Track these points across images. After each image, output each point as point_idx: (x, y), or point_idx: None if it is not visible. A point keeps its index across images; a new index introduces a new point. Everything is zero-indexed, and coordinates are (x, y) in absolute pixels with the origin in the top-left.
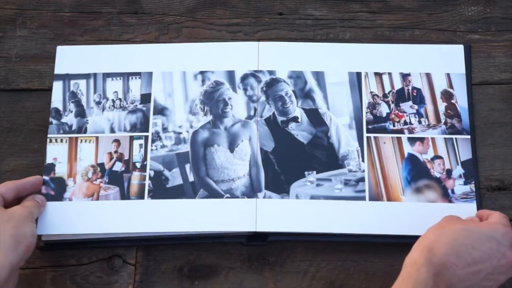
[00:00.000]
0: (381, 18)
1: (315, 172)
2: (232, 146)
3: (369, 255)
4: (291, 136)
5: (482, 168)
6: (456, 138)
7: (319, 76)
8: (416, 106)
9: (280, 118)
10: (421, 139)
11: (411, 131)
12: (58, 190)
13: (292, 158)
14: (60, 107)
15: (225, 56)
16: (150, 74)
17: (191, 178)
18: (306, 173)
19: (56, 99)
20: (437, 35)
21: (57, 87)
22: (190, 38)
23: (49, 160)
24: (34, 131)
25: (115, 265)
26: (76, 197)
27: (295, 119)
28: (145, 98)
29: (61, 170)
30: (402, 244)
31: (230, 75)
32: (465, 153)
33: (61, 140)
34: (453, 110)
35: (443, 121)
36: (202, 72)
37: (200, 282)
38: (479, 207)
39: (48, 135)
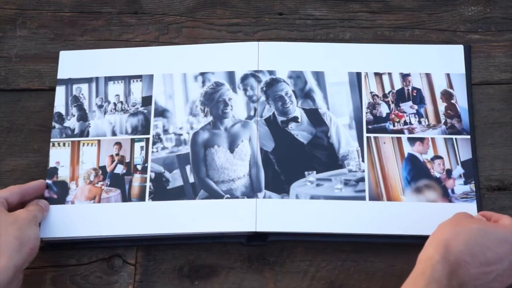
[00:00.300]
0: (381, 18)
1: (315, 172)
2: (232, 146)
3: (369, 255)
4: (291, 136)
5: (482, 168)
6: (456, 138)
7: (319, 76)
8: (416, 106)
9: (280, 118)
10: (421, 139)
11: (411, 131)
12: (60, 193)
13: (292, 158)
14: (63, 112)
15: (225, 56)
16: (151, 76)
17: (191, 179)
18: (306, 173)
19: (59, 104)
20: (437, 35)
21: (60, 91)
22: (190, 38)
23: (52, 164)
24: (34, 131)
25: (115, 265)
26: (78, 200)
27: (295, 119)
28: (146, 100)
29: (63, 173)
30: (402, 244)
31: (230, 75)
32: (465, 153)
33: (64, 144)
34: (453, 110)
35: (443, 121)
36: (202, 74)
37: (200, 282)
38: (479, 207)
39: (51, 139)
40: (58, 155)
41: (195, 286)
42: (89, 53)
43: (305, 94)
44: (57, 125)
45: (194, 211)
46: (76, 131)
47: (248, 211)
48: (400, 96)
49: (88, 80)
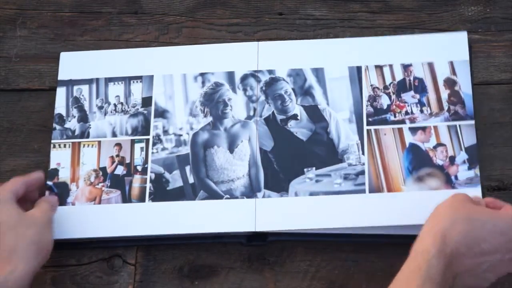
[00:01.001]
0: (381, 18)
1: (314, 168)
2: (231, 146)
3: (369, 255)
4: (290, 134)
5: (482, 168)
6: (459, 125)
7: (318, 73)
8: (418, 96)
9: (279, 117)
10: (423, 128)
11: (412, 120)
12: (61, 194)
13: (291, 156)
14: (64, 113)
15: (224, 57)
16: (151, 77)
17: (191, 180)
18: (305, 170)
19: (60, 105)
20: None
21: (61, 93)
22: (190, 38)
23: (52, 165)
24: (34, 131)
25: (115, 265)
26: (78, 201)
27: (294, 116)
28: (146, 101)
29: (64, 175)
30: (402, 244)
31: (230, 76)
32: (469, 139)
33: (64, 145)
34: (456, 97)
35: (446, 108)
36: (202, 74)
37: (200, 282)
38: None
39: (52, 141)
40: (59, 157)
41: (195, 286)
42: (90, 54)
43: (304, 91)
44: (57, 127)
45: (194, 211)
46: (76, 133)
47: (248, 211)
48: (402, 87)
49: (89, 81)
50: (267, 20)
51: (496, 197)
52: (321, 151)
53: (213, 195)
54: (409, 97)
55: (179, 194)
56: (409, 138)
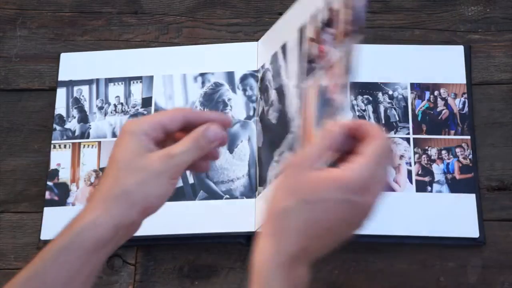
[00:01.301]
0: (381, 18)
1: (277, 149)
2: (231, 147)
3: (369, 255)
4: (269, 122)
5: (482, 168)
6: (352, 45)
7: (284, 49)
8: (332, 30)
9: (266, 109)
10: (329, 66)
11: (326, 61)
12: (61, 195)
13: (268, 144)
14: (64, 113)
15: (224, 57)
16: (151, 77)
17: (191, 180)
18: (273, 154)
19: (60, 106)
20: (437, 35)
21: (61, 93)
22: (190, 38)
23: (52, 166)
24: (34, 131)
25: (115, 265)
26: (79, 202)
27: (272, 103)
28: (146, 101)
29: (64, 175)
30: (402, 244)
31: (230, 76)
32: (353, 58)
33: (65, 146)
34: (353, 15)
35: (347, 32)
36: (202, 74)
37: (200, 282)
38: (479, 206)
39: (52, 141)
40: (59, 157)
41: (195, 286)
42: (90, 55)
43: (276, 73)
44: (58, 127)
45: (193, 212)
46: (76, 133)
47: (247, 211)
48: (324, 27)
49: (89, 82)
50: (267, 20)
51: (496, 197)
52: (281, 128)
53: (213, 195)
54: (327, 35)
55: (179, 194)
56: (323, 82)
